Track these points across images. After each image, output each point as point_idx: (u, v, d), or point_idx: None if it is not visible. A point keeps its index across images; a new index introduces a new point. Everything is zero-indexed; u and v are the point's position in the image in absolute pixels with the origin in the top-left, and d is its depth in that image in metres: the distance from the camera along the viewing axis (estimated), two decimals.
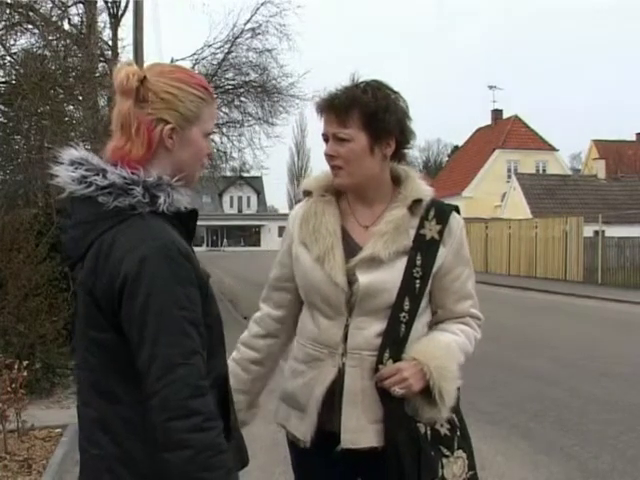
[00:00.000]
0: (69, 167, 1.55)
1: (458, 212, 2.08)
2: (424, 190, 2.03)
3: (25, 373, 4.81)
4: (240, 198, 65.38)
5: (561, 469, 4.87)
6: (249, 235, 64.03)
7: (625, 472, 4.83)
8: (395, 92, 2.00)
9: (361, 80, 1.99)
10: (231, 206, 65.91)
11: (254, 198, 66.25)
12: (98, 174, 1.52)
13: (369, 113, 1.92)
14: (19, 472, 4.42)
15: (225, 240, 64.88)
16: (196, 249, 1.71)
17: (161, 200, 1.52)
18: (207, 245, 62.17)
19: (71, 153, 1.57)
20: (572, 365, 8.60)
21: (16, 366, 4.79)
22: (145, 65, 1.65)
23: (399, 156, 2.03)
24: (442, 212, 2.02)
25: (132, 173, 1.52)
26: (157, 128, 1.54)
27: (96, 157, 1.56)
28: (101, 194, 1.51)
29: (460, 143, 52.81)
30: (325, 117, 1.98)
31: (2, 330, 6.32)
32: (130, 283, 1.44)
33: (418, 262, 1.97)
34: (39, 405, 6.05)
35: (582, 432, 5.72)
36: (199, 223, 1.69)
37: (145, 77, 1.55)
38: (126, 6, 14.51)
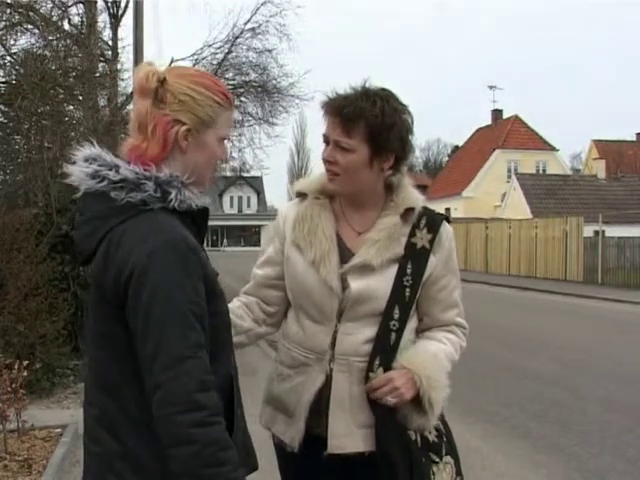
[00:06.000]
0: (83, 163, 1.57)
1: (448, 221, 2.09)
2: (416, 198, 2.04)
3: (25, 373, 4.81)
4: (240, 198, 65.29)
5: (561, 469, 4.87)
6: (249, 235, 63.90)
7: (625, 472, 4.83)
8: (403, 105, 1.98)
9: (372, 88, 1.96)
10: (231, 206, 65.83)
11: (254, 198, 66.17)
12: (111, 169, 1.54)
13: (375, 128, 1.91)
14: (19, 472, 4.41)
15: (225, 240, 64.83)
16: None
17: (172, 196, 1.53)
18: (207, 245, 61.08)
19: (85, 151, 1.59)
20: (572, 365, 8.60)
21: (16, 366, 4.79)
22: (166, 66, 1.66)
23: (396, 169, 2.02)
24: (433, 221, 2.03)
25: (145, 170, 1.54)
26: (173, 129, 1.56)
27: (110, 154, 1.58)
28: (113, 189, 1.52)
29: (460, 143, 52.90)
30: (330, 121, 1.96)
31: (2, 330, 6.31)
32: (137, 275, 1.44)
33: (409, 271, 1.97)
34: (39, 405, 6.06)
35: (582, 432, 5.72)
36: None
37: (165, 78, 1.57)
38: (126, 6, 14.50)
